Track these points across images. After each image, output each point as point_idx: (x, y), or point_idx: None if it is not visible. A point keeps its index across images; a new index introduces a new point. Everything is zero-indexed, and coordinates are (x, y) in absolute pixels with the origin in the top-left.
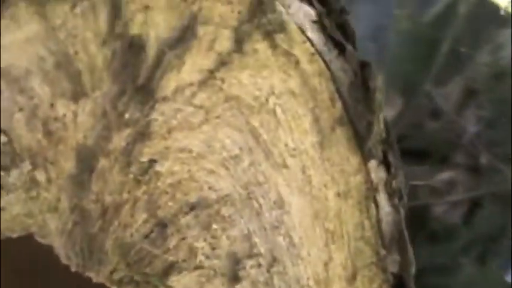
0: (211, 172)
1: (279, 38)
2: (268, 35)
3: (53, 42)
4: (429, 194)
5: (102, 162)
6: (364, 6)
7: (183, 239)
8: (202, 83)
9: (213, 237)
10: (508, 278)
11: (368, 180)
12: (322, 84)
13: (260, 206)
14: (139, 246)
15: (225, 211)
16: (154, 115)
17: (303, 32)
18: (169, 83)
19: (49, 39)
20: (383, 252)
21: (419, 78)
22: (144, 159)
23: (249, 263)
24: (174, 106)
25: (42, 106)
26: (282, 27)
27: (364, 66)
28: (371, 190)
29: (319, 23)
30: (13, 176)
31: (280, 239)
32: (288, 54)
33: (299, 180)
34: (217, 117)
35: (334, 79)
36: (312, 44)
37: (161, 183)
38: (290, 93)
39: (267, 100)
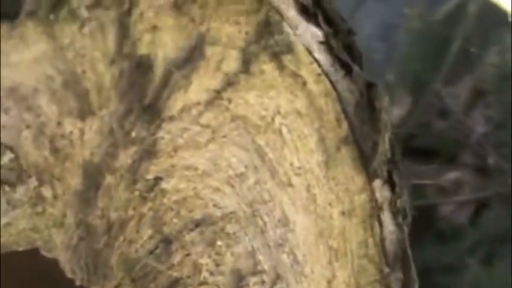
0: (217, 190)
1: (286, 59)
2: (276, 56)
3: (61, 62)
4: (436, 194)
5: (108, 179)
6: (375, 5)
7: (188, 255)
8: (209, 103)
9: (218, 253)
10: None
11: (372, 199)
12: (328, 105)
13: (265, 223)
14: (144, 262)
15: (230, 228)
16: (161, 134)
17: (310, 52)
18: (176, 103)
19: (57, 58)
20: (386, 270)
21: (428, 77)
22: (150, 176)
23: (253, 279)
24: (181, 125)
25: (50, 124)
26: (289, 49)
27: (370, 86)
28: (375, 209)
29: (326, 44)
30: (19, 192)
31: (284, 256)
32: (295, 75)
33: (304, 199)
34: (224, 136)
35: (340, 99)
36: (319, 65)
37: (167, 200)
38: (296, 113)
39: (273, 120)
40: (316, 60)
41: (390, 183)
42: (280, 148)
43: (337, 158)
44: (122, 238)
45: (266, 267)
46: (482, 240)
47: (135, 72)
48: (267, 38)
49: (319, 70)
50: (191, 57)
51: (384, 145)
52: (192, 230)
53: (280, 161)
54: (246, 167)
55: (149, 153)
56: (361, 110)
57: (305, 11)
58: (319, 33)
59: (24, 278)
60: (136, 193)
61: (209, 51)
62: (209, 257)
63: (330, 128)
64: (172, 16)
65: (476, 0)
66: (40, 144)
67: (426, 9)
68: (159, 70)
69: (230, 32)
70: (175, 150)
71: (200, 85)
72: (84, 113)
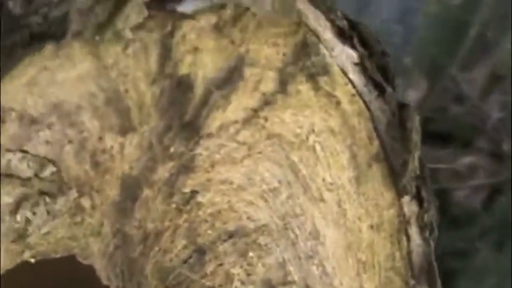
0: (251, 203)
1: (322, 80)
2: (312, 77)
3: (104, 80)
4: (451, 178)
5: (146, 192)
6: None
7: (220, 265)
8: (246, 121)
9: (249, 264)
10: None
11: (401, 214)
12: (361, 123)
13: (296, 236)
14: (178, 271)
15: (262, 240)
16: (199, 150)
17: (345, 73)
18: (214, 121)
19: (101, 77)
20: (412, 282)
21: (445, 61)
22: (187, 190)
23: None
24: (218, 142)
25: (91, 139)
26: (325, 70)
27: (402, 107)
28: (403, 223)
29: (361, 65)
30: (59, 203)
31: (314, 268)
32: (329, 95)
33: (334, 213)
34: (259, 152)
35: (372, 118)
36: (353, 86)
37: (202, 212)
38: (330, 131)
39: (307, 137)
40: (350, 80)
41: (418, 198)
42: (314, 164)
43: (368, 174)
44: (157, 248)
45: (296, 278)
46: (495, 225)
47: (175, 91)
48: (304, 59)
49: (353, 90)
50: (230, 77)
51: (414, 163)
52: (225, 241)
53: (313, 177)
54: (279, 182)
55: (187, 168)
56: (392, 129)
57: (341, 34)
58: (354, 55)
59: (60, 285)
60: (173, 205)
61: (248, 72)
62: (241, 267)
63: (362, 145)
64: (213, 38)
65: None
66: (81, 159)
67: None
68: (199, 89)
69: (268, 53)
70: (212, 165)
71: (238, 104)
72: (125, 129)
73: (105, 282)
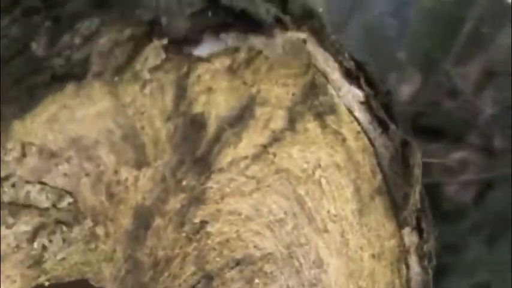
0: (257, 233)
1: (330, 119)
2: (319, 116)
3: (121, 117)
4: (442, 173)
5: (158, 221)
6: None
7: None
8: (256, 157)
9: None
10: None
11: (401, 244)
12: (365, 159)
13: (300, 264)
14: None
15: (268, 268)
16: (210, 184)
17: (351, 112)
18: (226, 157)
19: (118, 114)
20: None
21: (439, 56)
22: (197, 220)
23: None
24: (229, 176)
25: (107, 172)
26: (332, 110)
27: (405, 144)
28: (403, 253)
29: (367, 104)
30: (75, 232)
31: None
32: (336, 132)
33: (338, 243)
34: (267, 186)
35: (376, 154)
36: (359, 123)
37: (211, 241)
38: (335, 166)
39: (313, 172)
40: (356, 118)
41: (418, 229)
42: (319, 197)
43: (370, 206)
44: (166, 273)
45: None
46: (485, 220)
47: (189, 128)
48: (312, 98)
49: (358, 128)
50: (242, 116)
51: (415, 196)
52: (232, 268)
53: (318, 209)
54: (285, 213)
55: (198, 200)
56: (395, 164)
57: (348, 74)
58: (360, 94)
59: None
60: (183, 234)
61: (258, 111)
62: None
63: (365, 179)
64: (226, 79)
65: None
66: (97, 190)
67: None
68: (212, 127)
69: (278, 93)
70: (222, 197)
71: (249, 141)
72: (140, 163)
73: None
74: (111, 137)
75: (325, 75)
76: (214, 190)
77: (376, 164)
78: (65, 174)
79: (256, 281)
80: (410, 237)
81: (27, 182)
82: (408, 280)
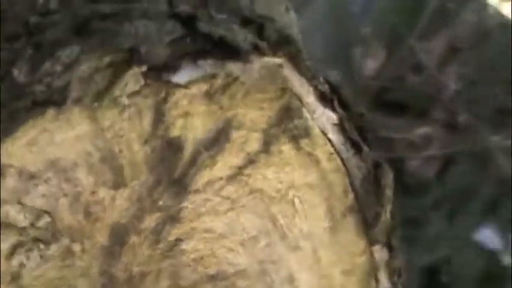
0: (231, 250)
1: (304, 142)
2: (294, 139)
3: (100, 141)
4: (405, 148)
5: (133, 239)
6: None
7: None
8: (231, 178)
9: None
10: (474, 237)
11: (372, 260)
12: (338, 179)
13: (272, 280)
14: None
15: (240, 283)
16: (185, 203)
17: (324, 134)
18: (202, 178)
19: (97, 138)
20: None
21: (404, 31)
22: (172, 238)
23: None
24: (204, 196)
25: (85, 193)
26: (307, 133)
27: (377, 165)
28: (373, 269)
29: (340, 126)
30: (52, 249)
31: None
32: (310, 154)
33: (309, 260)
34: (242, 206)
35: (349, 174)
36: (332, 145)
37: (185, 257)
38: (308, 186)
39: (287, 192)
40: (329, 140)
41: (388, 246)
42: (292, 216)
43: (342, 224)
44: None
45: None
46: (447, 196)
47: (166, 151)
48: (287, 121)
49: (331, 149)
50: (218, 139)
51: (386, 215)
52: (206, 283)
53: (290, 227)
54: (258, 231)
55: (173, 219)
56: (367, 184)
57: (323, 97)
58: (334, 117)
59: None
60: (158, 251)
61: (234, 134)
62: None
63: (338, 198)
64: (203, 104)
65: None
66: (75, 210)
67: None
68: (188, 150)
69: (254, 116)
70: (197, 217)
71: (224, 163)
72: (118, 184)
73: None
74: (89, 159)
75: (300, 99)
76: (189, 210)
77: (349, 183)
78: (44, 195)
79: None
80: (380, 254)
81: (6, 202)
82: None
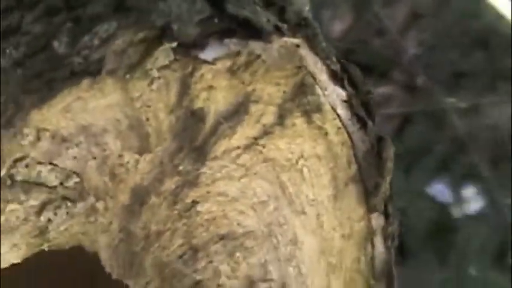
0: (242, 212)
1: (315, 117)
2: (306, 113)
3: (129, 109)
4: None
5: (153, 199)
6: None
7: (210, 262)
8: (247, 148)
9: (235, 262)
10: (428, 190)
11: (369, 226)
12: (343, 151)
13: (278, 241)
14: (173, 265)
15: (248, 243)
16: (204, 169)
17: (334, 109)
18: (220, 147)
19: (127, 106)
20: (372, 282)
21: None
22: (189, 200)
23: (263, 285)
24: (221, 163)
25: (112, 156)
26: (318, 108)
27: (381, 139)
28: (370, 234)
29: (348, 102)
30: (78, 207)
31: (291, 269)
32: (320, 128)
33: (313, 224)
34: (255, 173)
35: (353, 147)
36: (340, 119)
37: (199, 218)
38: (316, 157)
39: (297, 162)
40: (338, 115)
41: (385, 214)
42: (300, 184)
43: (344, 192)
44: (157, 245)
45: (274, 276)
46: (403, 151)
47: (189, 120)
48: (301, 97)
49: (339, 124)
50: (238, 111)
51: (385, 186)
52: (216, 242)
53: (298, 194)
54: (268, 196)
55: (191, 183)
56: (369, 156)
57: (334, 76)
58: (343, 94)
59: (68, 272)
60: (175, 212)
61: (253, 107)
62: (228, 264)
63: (342, 168)
64: (226, 79)
65: None
66: (101, 171)
67: None
68: (210, 121)
69: (271, 91)
70: (213, 181)
71: (242, 134)
72: (143, 149)
73: (108, 270)
74: (118, 126)
75: (313, 77)
76: (207, 175)
77: (353, 155)
78: (74, 157)
79: (237, 254)
80: (377, 221)
81: (39, 163)
82: (373, 258)
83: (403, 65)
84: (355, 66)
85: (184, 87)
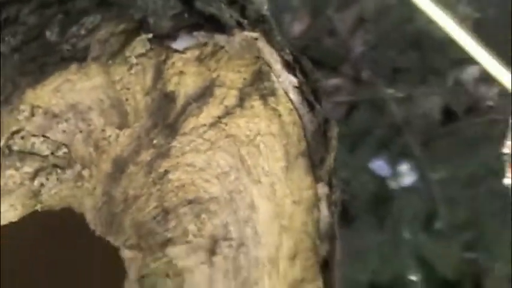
0: (207, 181)
1: (271, 100)
2: (263, 97)
3: (111, 91)
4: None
5: (131, 168)
6: None
7: (180, 222)
8: (212, 125)
9: (201, 223)
10: (369, 165)
11: (316, 193)
12: (294, 130)
13: (238, 206)
14: (148, 225)
15: (212, 207)
16: (175, 143)
17: (287, 94)
18: (189, 124)
19: (109, 88)
20: (318, 242)
21: (324, 3)
22: (162, 170)
23: (224, 243)
24: (190, 138)
25: (96, 131)
26: (273, 92)
27: (326, 121)
28: (317, 200)
29: (299, 89)
30: (67, 174)
31: (248, 229)
32: (274, 109)
33: (268, 191)
34: (218, 147)
35: (303, 127)
36: (292, 103)
37: (170, 185)
38: (271, 134)
39: (254, 138)
40: (290, 99)
41: (329, 184)
42: (257, 157)
43: (295, 165)
44: (134, 207)
45: (234, 235)
46: (350, 133)
47: (163, 101)
48: (258, 83)
49: (291, 106)
50: (204, 94)
51: (330, 160)
52: (185, 205)
53: (255, 166)
54: (230, 167)
55: (163, 154)
56: (317, 135)
57: (287, 65)
58: (295, 81)
59: (60, 230)
60: (150, 179)
61: (217, 91)
62: (195, 225)
63: (293, 144)
64: (194, 66)
65: None
66: (87, 143)
67: None
68: (180, 101)
69: (233, 77)
70: (183, 153)
71: (208, 113)
72: (123, 125)
73: (92, 227)
74: (101, 104)
75: (269, 65)
76: (177, 148)
77: (302, 134)
78: (63, 131)
79: (203, 216)
80: (323, 189)
81: (33, 135)
82: (318, 220)
83: (350, 60)
84: (306, 58)
85: (159, 73)
